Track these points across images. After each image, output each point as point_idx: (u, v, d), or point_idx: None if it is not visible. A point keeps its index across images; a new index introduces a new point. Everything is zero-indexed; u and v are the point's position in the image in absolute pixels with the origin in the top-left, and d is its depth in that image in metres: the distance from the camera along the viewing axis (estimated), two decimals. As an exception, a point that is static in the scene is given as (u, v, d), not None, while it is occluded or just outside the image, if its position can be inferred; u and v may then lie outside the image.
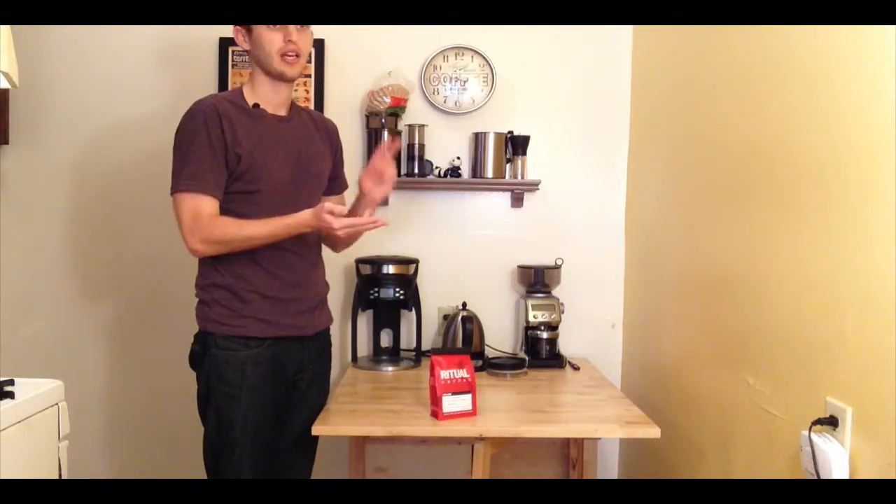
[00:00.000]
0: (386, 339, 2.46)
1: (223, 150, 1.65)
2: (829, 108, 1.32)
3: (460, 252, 2.54)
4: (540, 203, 2.53)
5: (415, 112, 2.48)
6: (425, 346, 2.46)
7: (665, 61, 2.27)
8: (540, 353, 2.36)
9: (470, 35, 2.47)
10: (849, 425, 1.21)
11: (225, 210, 1.67)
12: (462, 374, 1.76)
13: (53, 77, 2.46)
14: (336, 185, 1.92)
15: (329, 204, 1.59)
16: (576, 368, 2.34)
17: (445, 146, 2.49)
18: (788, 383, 1.45)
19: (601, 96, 2.53)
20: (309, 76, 2.46)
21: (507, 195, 2.53)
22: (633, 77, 2.52)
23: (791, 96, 1.46)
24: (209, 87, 2.44)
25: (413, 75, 2.48)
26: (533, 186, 2.47)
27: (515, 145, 2.45)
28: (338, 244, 1.96)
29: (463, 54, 2.49)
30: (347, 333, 2.42)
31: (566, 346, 2.46)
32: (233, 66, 2.45)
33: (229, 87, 2.41)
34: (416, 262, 2.39)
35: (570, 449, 2.37)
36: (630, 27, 2.50)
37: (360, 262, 2.35)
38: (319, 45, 2.45)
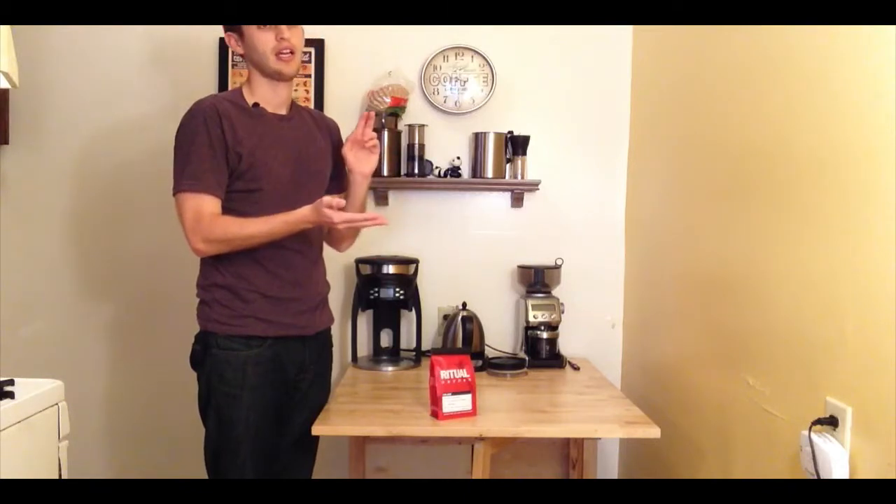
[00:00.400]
0: (386, 339, 2.46)
1: (224, 149, 1.65)
2: (829, 108, 1.32)
3: (460, 252, 2.54)
4: (540, 203, 2.54)
5: (415, 112, 2.48)
6: (425, 346, 2.46)
7: (665, 61, 2.27)
8: (540, 353, 2.36)
9: (470, 35, 2.47)
10: (849, 425, 1.21)
11: (227, 209, 1.67)
12: (462, 374, 1.76)
13: (53, 77, 2.46)
14: (338, 183, 1.92)
15: (327, 197, 1.59)
16: (576, 368, 2.34)
17: (445, 146, 2.49)
18: (788, 383, 1.45)
19: (601, 96, 2.53)
20: (309, 76, 2.46)
21: (507, 195, 2.53)
22: (633, 77, 2.52)
23: (791, 96, 1.46)
24: (209, 87, 2.44)
25: (413, 75, 2.48)
26: (533, 186, 2.47)
27: (515, 145, 2.45)
28: (341, 242, 1.96)
29: (463, 54, 2.49)
30: (347, 333, 2.42)
31: (566, 346, 2.46)
32: (233, 66, 2.45)
33: (229, 87, 2.41)
34: (416, 262, 2.39)
35: (570, 449, 2.37)
36: (630, 27, 2.50)
37: (360, 261, 2.35)
38: (319, 45, 2.46)
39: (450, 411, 1.73)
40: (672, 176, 2.18)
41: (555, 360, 2.36)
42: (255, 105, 1.74)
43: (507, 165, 2.47)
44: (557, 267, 2.45)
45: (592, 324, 2.56)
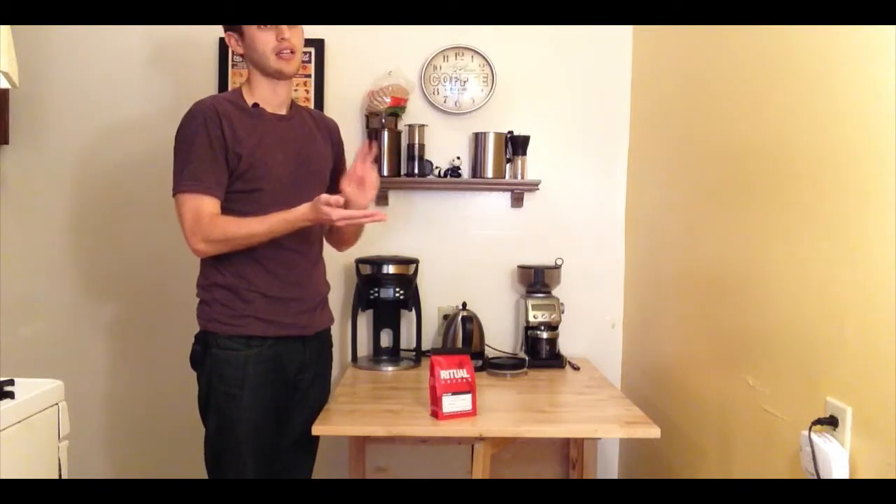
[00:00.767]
0: (386, 339, 2.46)
1: (223, 149, 1.65)
2: (829, 108, 1.32)
3: (460, 252, 2.54)
4: (540, 203, 2.54)
5: (415, 112, 2.48)
6: (425, 346, 2.46)
7: (665, 61, 2.27)
8: (540, 353, 2.36)
9: (470, 35, 2.47)
10: (849, 425, 1.21)
11: (227, 210, 1.67)
12: (462, 374, 1.76)
13: (53, 77, 2.46)
14: (338, 183, 1.91)
15: (326, 195, 1.59)
16: (576, 368, 2.34)
17: (445, 146, 2.49)
18: (788, 383, 1.45)
19: (601, 96, 2.53)
20: (309, 76, 2.46)
21: (507, 195, 2.53)
22: (633, 77, 2.52)
23: (791, 96, 1.46)
24: (209, 87, 2.44)
25: (413, 75, 2.48)
26: (533, 186, 2.47)
27: (515, 145, 2.45)
28: (343, 243, 1.96)
29: (463, 54, 2.49)
30: (347, 333, 2.42)
31: (566, 346, 2.46)
32: (233, 66, 2.45)
33: (229, 87, 2.41)
34: (416, 262, 2.39)
35: (570, 449, 2.37)
36: (630, 27, 2.50)
37: (360, 262, 2.35)
38: (319, 45, 2.46)
39: (450, 411, 1.73)
40: (672, 176, 2.18)
41: (555, 360, 2.36)
42: (255, 105, 1.74)
43: (507, 165, 2.47)
44: (557, 267, 2.45)
45: (592, 324, 2.56)
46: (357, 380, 2.18)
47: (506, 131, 2.45)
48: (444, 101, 2.49)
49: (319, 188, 1.81)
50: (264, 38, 1.68)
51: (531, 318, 2.35)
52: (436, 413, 1.74)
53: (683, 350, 2.06)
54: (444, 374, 1.74)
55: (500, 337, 2.53)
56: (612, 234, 2.56)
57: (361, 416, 1.79)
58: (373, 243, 2.38)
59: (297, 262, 1.77)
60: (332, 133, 1.92)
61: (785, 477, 1.42)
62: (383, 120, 2.40)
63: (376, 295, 2.31)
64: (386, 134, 2.39)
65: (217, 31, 2.38)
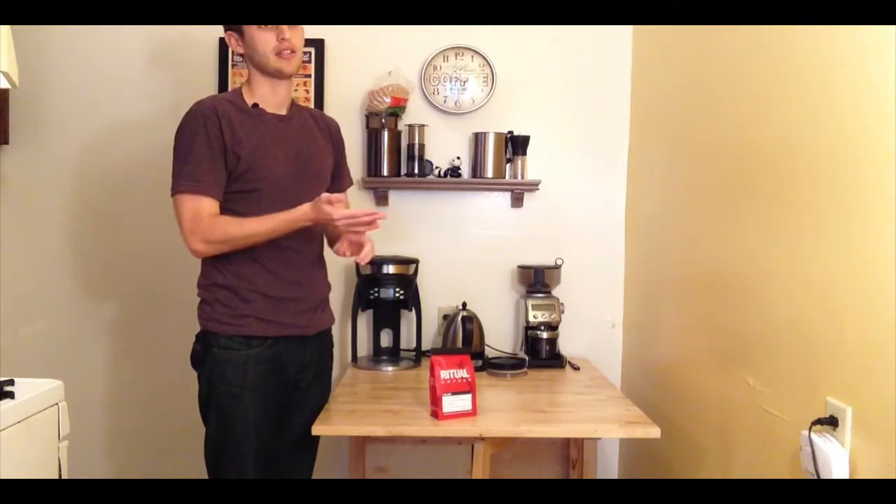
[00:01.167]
0: (386, 339, 2.46)
1: (222, 150, 1.65)
2: (829, 108, 1.32)
3: (460, 252, 2.54)
4: (540, 203, 2.54)
5: (415, 112, 2.48)
6: (425, 346, 2.46)
7: (665, 61, 2.27)
8: (540, 353, 2.36)
9: (470, 35, 2.47)
10: (849, 425, 1.21)
11: (226, 210, 1.67)
12: (462, 374, 1.76)
13: (53, 77, 2.46)
14: (339, 183, 1.92)
15: (327, 194, 1.58)
16: (576, 368, 2.34)
17: (445, 146, 2.49)
18: (788, 383, 1.45)
19: (601, 96, 2.53)
20: (309, 76, 2.46)
21: (507, 195, 2.53)
22: (633, 77, 2.52)
23: (791, 96, 1.46)
24: (209, 87, 2.44)
25: (413, 75, 2.48)
26: (533, 186, 2.47)
27: (515, 145, 2.45)
28: (343, 244, 1.93)
29: (463, 54, 2.49)
30: (347, 333, 2.42)
31: (566, 346, 2.46)
32: (233, 66, 2.45)
33: (229, 87, 2.41)
34: (416, 262, 2.39)
35: (570, 449, 2.37)
36: (630, 27, 2.50)
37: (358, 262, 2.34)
38: (319, 45, 2.46)
39: (450, 411, 1.73)
40: (672, 176, 2.18)
41: (555, 360, 2.36)
42: (255, 105, 1.74)
43: (507, 165, 2.47)
44: (557, 267, 2.45)
45: (592, 324, 2.56)
46: (357, 380, 2.18)
47: (506, 131, 2.45)
48: (444, 101, 2.49)
49: (320, 188, 1.81)
50: (265, 37, 1.68)
51: (531, 318, 2.35)
52: (436, 413, 1.74)
53: (683, 350, 2.06)
54: (444, 374, 1.74)
55: (500, 337, 2.53)
56: (612, 234, 2.56)
57: (361, 416, 1.79)
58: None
59: (298, 262, 1.77)
60: (332, 132, 1.91)
61: (785, 477, 1.42)
62: (383, 120, 2.40)
63: (376, 295, 2.31)
64: (386, 134, 2.39)
65: (217, 31, 2.38)
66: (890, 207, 1.13)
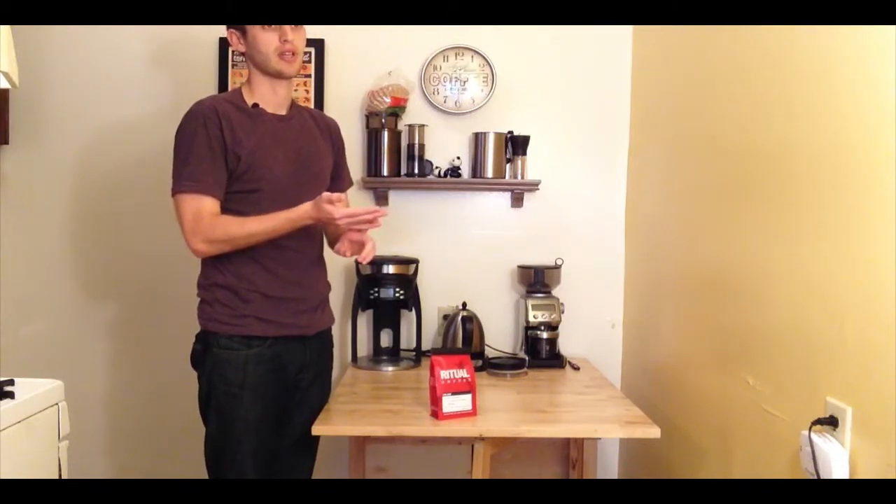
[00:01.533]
0: (386, 339, 2.46)
1: (223, 150, 1.65)
2: (829, 108, 1.32)
3: (460, 252, 2.54)
4: (540, 203, 2.54)
5: (415, 112, 2.48)
6: (425, 346, 2.46)
7: (665, 61, 2.27)
8: (540, 353, 2.36)
9: (470, 35, 2.47)
10: (849, 425, 1.21)
11: (226, 210, 1.67)
12: (462, 374, 1.76)
13: (53, 77, 2.46)
14: (339, 183, 1.92)
15: (328, 193, 1.59)
16: (576, 368, 2.34)
17: (445, 146, 2.49)
18: (788, 383, 1.45)
19: (601, 96, 2.53)
20: (309, 76, 2.46)
21: (507, 195, 2.53)
22: (633, 77, 2.52)
23: (791, 96, 1.46)
24: (209, 87, 2.44)
25: (413, 75, 2.48)
26: (533, 186, 2.47)
27: (515, 145, 2.45)
28: (344, 244, 1.93)
29: (463, 54, 2.49)
30: (347, 333, 2.42)
31: (566, 346, 2.46)
32: (233, 66, 2.45)
33: (229, 87, 2.41)
34: (416, 262, 2.39)
35: (570, 449, 2.37)
36: (630, 27, 2.50)
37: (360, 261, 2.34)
38: (319, 45, 2.46)
39: (450, 411, 1.73)
40: (672, 176, 2.18)
41: (555, 360, 2.36)
42: (255, 105, 1.74)
43: (507, 165, 2.47)
44: (557, 267, 2.45)
45: (592, 324, 2.56)
46: (357, 380, 2.18)
47: (506, 131, 2.45)
48: (444, 101, 2.49)
49: (319, 188, 1.81)
50: (267, 38, 1.68)
51: (531, 318, 2.35)
52: (436, 413, 1.74)
53: (683, 350, 2.06)
54: (444, 374, 1.74)
55: (500, 337, 2.53)
56: (612, 234, 2.56)
57: (361, 416, 1.79)
58: (373, 243, 2.38)
59: (298, 262, 1.77)
60: (332, 133, 1.91)
61: (785, 477, 1.42)
62: (383, 120, 2.40)
63: (376, 295, 2.31)
64: (386, 134, 2.39)
65: (217, 31, 2.39)
66: (890, 207, 1.13)
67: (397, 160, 2.43)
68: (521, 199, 2.51)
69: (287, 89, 1.79)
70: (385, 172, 2.40)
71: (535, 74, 2.52)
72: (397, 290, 2.31)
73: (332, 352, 1.94)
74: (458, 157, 2.49)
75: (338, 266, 2.43)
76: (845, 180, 1.26)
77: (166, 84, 2.47)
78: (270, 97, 1.75)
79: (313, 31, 2.34)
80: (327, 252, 1.91)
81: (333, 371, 1.97)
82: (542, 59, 2.52)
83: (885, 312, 1.14)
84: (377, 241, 1.75)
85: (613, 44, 2.52)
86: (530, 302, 2.38)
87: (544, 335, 2.37)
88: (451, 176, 2.46)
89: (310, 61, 2.44)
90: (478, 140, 2.45)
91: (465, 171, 2.49)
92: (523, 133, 2.45)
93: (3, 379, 1.54)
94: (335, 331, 1.98)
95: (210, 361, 1.70)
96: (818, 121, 1.35)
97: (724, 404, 1.75)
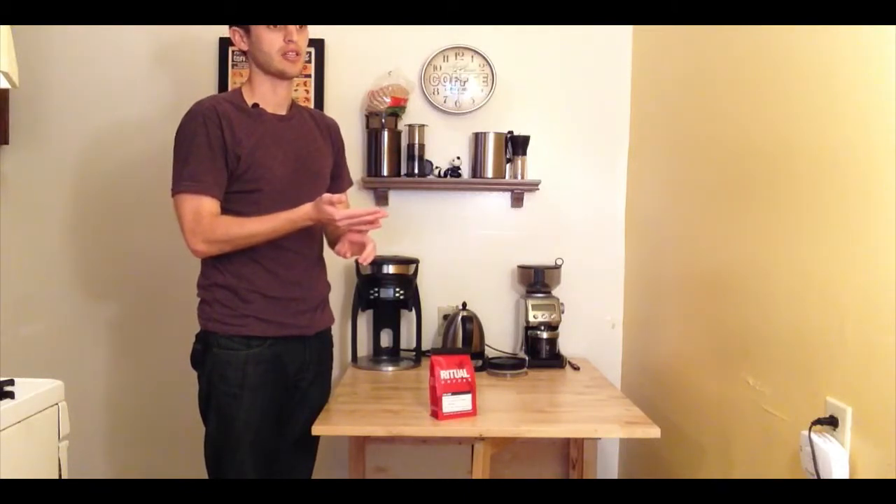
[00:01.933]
0: (386, 339, 2.46)
1: (223, 150, 1.65)
2: (829, 108, 1.32)
3: (460, 252, 2.54)
4: (540, 203, 2.54)
5: (415, 112, 2.48)
6: (425, 346, 2.46)
7: (665, 61, 2.27)
8: (540, 353, 2.36)
9: (470, 35, 2.47)
10: (849, 425, 1.21)
11: (226, 210, 1.67)
12: (462, 374, 1.76)
13: (53, 77, 2.46)
14: (339, 183, 1.92)
15: (328, 194, 1.59)
16: (576, 368, 2.34)
17: (445, 146, 2.49)
18: (788, 383, 1.45)
19: (601, 96, 2.53)
20: (309, 76, 2.46)
21: (507, 195, 2.53)
22: (633, 77, 2.52)
23: (791, 96, 1.46)
24: (209, 87, 2.44)
25: (413, 75, 2.48)
26: (533, 186, 2.47)
27: (515, 145, 2.45)
28: (344, 245, 1.92)
29: (463, 54, 2.49)
30: (347, 333, 2.42)
31: (566, 346, 2.46)
32: (233, 66, 2.45)
33: (229, 87, 2.41)
34: (416, 262, 2.39)
35: (570, 449, 2.37)
36: (630, 27, 2.50)
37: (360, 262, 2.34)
38: (319, 45, 2.46)
39: (450, 411, 1.73)
40: (672, 175, 2.18)
41: (555, 360, 2.36)
42: (255, 105, 1.74)
43: (507, 165, 2.47)
44: (557, 267, 2.45)
45: (592, 324, 2.56)
46: (357, 380, 2.18)
47: (506, 131, 2.45)
48: (444, 101, 2.49)
49: (319, 188, 1.81)
50: (271, 38, 1.68)
51: (531, 318, 2.35)
52: (436, 413, 1.74)
53: (683, 350, 2.06)
54: (444, 374, 1.74)
55: (500, 337, 2.53)
56: (612, 234, 2.56)
57: (361, 416, 1.79)
58: (373, 243, 2.38)
59: (298, 263, 1.77)
60: (332, 133, 1.92)
61: (785, 477, 1.42)
62: (383, 120, 2.40)
63: (376, 295, 2.31)
64: (386, 134, 2.39)
65: (217, 31, 2.39)
66: (890, 207, 1.13)
67: (397, 160, 2.43)
68: (521, 199, 2.51)
69: (287, 89, 1.79)
70: (385, 172, 2.40)
71: (535, 74, 2.52)
72: (397, 290, 2.31)
73: (332, 352, 1.94)
74: (458, 157, 2.49)
75: (338, 266, 2.43)
76: (845, 180, 1.26)
77: (166, 84, 2.47)
78: (271, 97, 1.75)
79: (313, 31, 2.32)
80: (327, 252, 1.91)
81: (333, 371, 1.97)
82: (542, 59, 2.52)
83: (885, 312, 1.14)
84: (377, 241, 1.75)
85: (613, 44, 2.52)
86: (530, 302, 2.38)
87: (544, 335, 2.37)
88: (451, 176, 2.46)
89: (310, 61, 2.44)
90: (478, 140, 2.45)
91: (465, 171, 2.49)
92: (523, 133, 2.45)
93: (3, 379, 1.54)
94: (335, 331, 1.98)
95: (210, 361, 1.70)
96: (818, 121, 1.35)
97: (724, 404, 1.75)
